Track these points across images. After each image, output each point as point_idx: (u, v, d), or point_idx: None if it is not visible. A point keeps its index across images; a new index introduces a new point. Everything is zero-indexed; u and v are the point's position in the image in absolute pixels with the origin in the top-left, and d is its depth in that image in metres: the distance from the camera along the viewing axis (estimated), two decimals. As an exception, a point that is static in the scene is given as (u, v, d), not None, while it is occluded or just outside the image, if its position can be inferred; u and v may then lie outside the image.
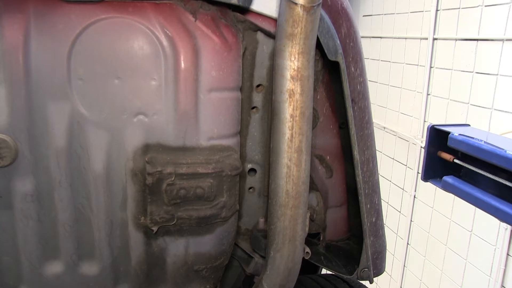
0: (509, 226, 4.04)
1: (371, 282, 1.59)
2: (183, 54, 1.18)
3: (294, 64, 1.14)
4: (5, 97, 1.11)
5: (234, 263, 1.63)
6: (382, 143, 6.24)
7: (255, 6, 1.22)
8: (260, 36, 1.32)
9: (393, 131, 6.00)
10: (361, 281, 1.86)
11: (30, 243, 1.24)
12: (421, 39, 5.31)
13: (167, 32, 1.17)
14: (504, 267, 4.20)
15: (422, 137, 5.30)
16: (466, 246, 4.69)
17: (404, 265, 5.95)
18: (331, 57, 1.29)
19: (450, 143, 1.95)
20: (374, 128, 2.06)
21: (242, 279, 1.72)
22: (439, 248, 5.16)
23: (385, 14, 6.13)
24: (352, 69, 1.38)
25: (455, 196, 1.98)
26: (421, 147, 5.29)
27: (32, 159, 1.17)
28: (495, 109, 4.25)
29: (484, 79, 4.38)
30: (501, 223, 4.08)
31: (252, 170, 1.48)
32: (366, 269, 1.53)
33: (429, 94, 5.24)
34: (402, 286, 6.02)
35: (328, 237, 1.66)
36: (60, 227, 1.24)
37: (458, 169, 2.02)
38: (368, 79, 1.50)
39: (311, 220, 1.57)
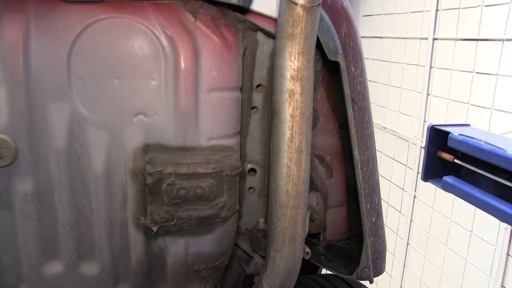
0: (509, 226, 4.04)
1: (371, 282, 1.59)
2: (183, 54, 1.18)
3: (294, 64, 1.14)
4: (5, 97, 1.11)
5: (234, 263, 1.63)
6: (382, 143, 6.24)
7: (255, 6, 1.22)
8: (260, 36, 1.32)
9: (393, 131, 6.00)
10: (361, 281, 1.86)
11: (30, 243, 1.24)
12: (421, 39, 5.31)
13: (167, 32, 1.17)
14: (504, 267, 4.20)
15: (422, 137, 5.30)
16: (466, 246, 4.69)
17: (404, 265, 5.95)
18: (331, 57, 1.29)
19: (450, 143, 1.95)
20: (374, 128, 2.06)
21: (242, 279, 1.72)
22: (439, 248, 5.16)
23: (385, 14, 6.13)
24: (352, 69, 1.38)
25: (455, 196, 1.98)
26: (421, 147, 5.28)
27: (32, 159, 1.17)
28: (495, 109, 4.25)
29: (484, 79, 4.38)
30: (501, 223, 4.08)
31: (252, 170, 1.48)
32: (366, 269, 1.53)
33: (429, 94, 5.24)
34: (402, 286, 6.02)
35: (328, 237, 1.66)
36: (60, 227, 1.24)
37: (458, 169, 2.01)
38: (368, 79, 1.50)
39: (311, 220, 1.57)
